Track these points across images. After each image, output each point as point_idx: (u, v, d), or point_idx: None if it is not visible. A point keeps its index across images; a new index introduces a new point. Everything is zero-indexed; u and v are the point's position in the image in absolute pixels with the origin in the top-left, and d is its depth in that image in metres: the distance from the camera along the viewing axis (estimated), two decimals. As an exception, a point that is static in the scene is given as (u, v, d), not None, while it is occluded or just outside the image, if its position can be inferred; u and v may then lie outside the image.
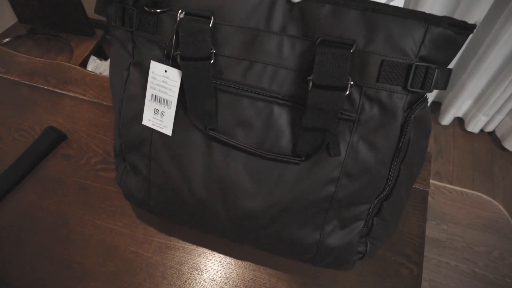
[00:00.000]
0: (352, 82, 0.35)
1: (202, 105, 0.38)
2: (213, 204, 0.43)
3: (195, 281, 0.50)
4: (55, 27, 1.46)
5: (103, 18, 0.43)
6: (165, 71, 0.39)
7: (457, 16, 1.24)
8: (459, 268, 1.20)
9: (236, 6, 0.36)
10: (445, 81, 0.36)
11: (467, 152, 1.54)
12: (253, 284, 0.50)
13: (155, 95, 0.41)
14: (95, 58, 1.45)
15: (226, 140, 0.39)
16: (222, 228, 0.45)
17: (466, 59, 1.43)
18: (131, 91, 0.43)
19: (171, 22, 0.38)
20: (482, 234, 1.28)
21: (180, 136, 0.41)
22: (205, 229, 0.48)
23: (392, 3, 0.37)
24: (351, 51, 0.34)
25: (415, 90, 0.35)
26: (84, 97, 0.69)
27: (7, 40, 1.49)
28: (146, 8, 0.38)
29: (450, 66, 1.44)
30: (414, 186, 0.59)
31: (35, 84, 0.71)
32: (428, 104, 0.40)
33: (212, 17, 0.36)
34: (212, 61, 0.37)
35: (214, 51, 0.37)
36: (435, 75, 0.35)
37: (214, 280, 0.50)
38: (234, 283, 0.50)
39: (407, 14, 0.33)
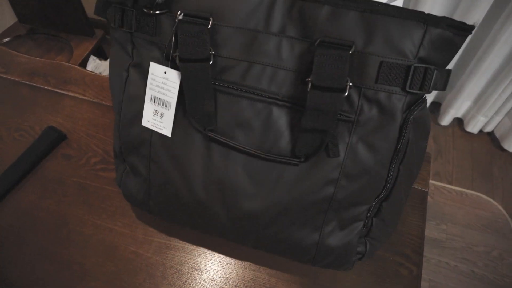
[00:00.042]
0: (351, 83, 0.35)
1: (201, 106, 0.38)
2: (213, 205, 0.43)
3: (195, 281, 0.50)
4: (55, 27, 1.46)
5: (103, 18, 0.43)
6: (165, 72, 0.39)
7: (457, 16, 1.25)
8: (459, 268, 1.20)
9: (235, 7, 0.36)
10: (444, 82, 0.36)
11: (467, 152, 1.54)
12: (253, 284, 0.50)
13: (155, 96, 0.41)
14: (94, 58, 1.45)
15: (225, 141, 0.39)
16: (221, 228, 0.45)
17: (465, 59, 1.43)
18: (130, 92, 0.43)
19: (170, 24, 0.38)
20: (481, 234, 1.28)
21: (179, 137, 0.41)
22: (204, 230, 0.48)
23: (391, 3, 0.37)
24: (350, 52, 0.34)
25: (414, 91, 0.35)
26: (84, 97, 0.69)
27: (7, 40, 1.49)
28: (145, 10, 0.38)
29: (450, 66, 1.44)
30: (414, 186, 0.59)
31: (35, 84, 0.71)
32: (428, 105, 0.40)
33: (211, 19, 0.36)
34: (211, 62, 0.37)
35: (213, 52, 0.37)
36: (434, 76, 0.35)
37: (214, 280, 0.50)
38: (234, 283, 0.50)
39: (406, 15, 0.33)
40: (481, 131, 1.59)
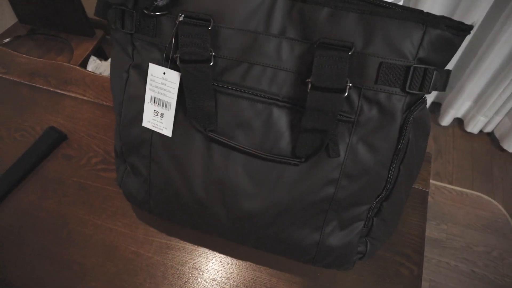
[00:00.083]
0: (350, 84, 0.35)
1: (202, 106, 0.38)
2: (213, 205, 0.43)
3: (195, 281, 0.50)
4: (55, 27, 1.46)
5: (104, 20, 0.43)
6: (164, 73, 0.39)
7: (457, 16, 1.25)
8: (459, 268, 1.20)
9: (236, 9, 0.36)
10: (443, 83, 0.37)
11: (467, 152, 1.54)
12: (253, 284, 0.50)
13: (154, 97, 0.41)
14: (95, 58, 1.45)
15: (225, 141, 0.39)
16: (222, 228, 0.45)
17: (465, 60, 1.43)
18: (130, 93, 0.43)
19: (170, 25, 0.38)
20: (481, 234, 1.28)
21: (180, 137, 0.41)
22: (205, 230, 0.48)
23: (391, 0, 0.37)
24: (350, 53, 0.34)
25: (414, 91, 0.35)
26: (84, 98, 0.69)
27: (7, 40, 1.49)
28: (146, 11, 0.38)
29: (450, 67, 1.44)
30: (414, 186, 0.59)
31: (36, 85, 0.71)
32: (428, 105, 0.40)
33: (211, 20, 0.36)
34: (211, 63, 0.37)
35: (213, 54, 0.37)
36: (434, 76, 0.35)
37: (214, 280, 0.50)
38: (235, 283, 0.50)
39: (405, 16, 0.33)
40: (481, 131, 1.59)
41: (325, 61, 0.34)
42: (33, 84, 0.71)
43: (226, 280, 0.50)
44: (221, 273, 0.51)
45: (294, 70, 0.36)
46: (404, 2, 1.22)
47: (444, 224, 1.30)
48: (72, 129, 0.65)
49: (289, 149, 0.39)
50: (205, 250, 0.52)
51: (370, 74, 0.35)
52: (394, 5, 0.34)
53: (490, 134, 1.60)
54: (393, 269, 0.51)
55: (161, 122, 0.42)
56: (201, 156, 0.41)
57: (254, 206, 0.41)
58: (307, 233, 0.43)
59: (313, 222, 0.42)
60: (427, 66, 0.34)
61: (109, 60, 1.50)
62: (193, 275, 0.50)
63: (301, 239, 0.43)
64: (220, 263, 0.51)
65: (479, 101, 1.49)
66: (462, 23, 0.34)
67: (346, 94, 0.34)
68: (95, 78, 0.73)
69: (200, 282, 0.50)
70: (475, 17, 1.21)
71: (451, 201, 1.36)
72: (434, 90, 0.36)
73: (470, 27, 0.34)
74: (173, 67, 0.39)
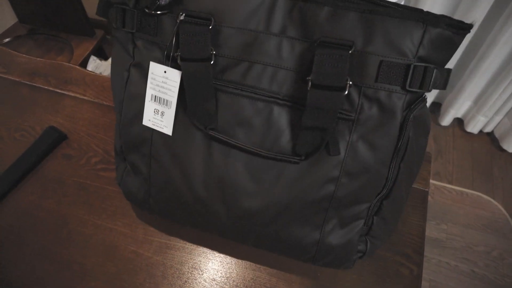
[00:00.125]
0: (351, 82, 0.35)
1: (202, 105, 0.39)
2: (213, 203, 0.43)
3: (195, 281, 0.50)
4: (55, 27, 1.46)
5: (105, 19, 0.44)
6: (164, 72, 0.40)
7: (457, 17, 1.25)
8: (459, 268, 1.20)
9: (236, 8, 0.37)
10: (444, 81, 0.37)
11: (467, 152, 1.54)
12: (253, 284, 0.50)
13: (155, 96, 0.41)
14: (95, 58, 1.45)
15: (226, 140, 0.39)
16: (222, 227, 0.45)
17: (466, 60, 1.43)
18: (131, 92, 0.43)
19: (171, 24, 0.38)
20: (481, 234, 1.28)
21: (180, 135, 0.41)
22: (205, 229, 0.48)
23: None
24: (350, 51, 0.34)
25: (414, 90, 0.35)
26: (84, 97, 0.69)
27: (7, 40, 1.49)
28: (147, 10, 0.38)
29: (450, 67, 1.44)
30: (414, 186, 0.59)
31: (36, 84, 0.71)
32: (428, 105, 0.40)
33: (212, 19, 0.36)
34: (212, 62, 0.37)
35: (214, 52, 0.38)
36: (434, 75, 0.35)
37: (214, 280, 0.50)
38: (235, 283, 0.50)
39: (406, 15, 0.33)
40: (481, 131, 1.59)
41: (326, 59, 0.34)
42: (33, 84, 0.71)
43: (226, 280, 0.50)
44: (221, 273, 0.51)
45: (295, 69, 0.37)
46: (404, 2, 1.22)
47: (444, 224, 1.30)
48: (72, 129, 0.65)
49: (290, 147, 0.39)
50: (205, 249, 0.52)
51: (370, 73, 0.35)
52: (394, 4, 0.35)
53: (490, 134, 1.60)
54: (393, 269, 0.51)
55: (161, 121, 0.42)
56: (202, 155, 0.41)
57: (254, 205, 0.41)
58: (307, 231, 0.43)
59: (313, 221, 0.42)
60: (427, 65, 0.35)
61: (109, 60, 1.50)
62: (193, 275, 0.50)
63: (301, 238, 0.43)
64: (219, 263, 0.51)
65: (479, 101, 1.49)
66: (462, 22, 0.34)
67: (346, 92, 0.34)
68: (95, 77, 0.73)
69: (199, 282, 0.50)
70: (475, 17, 1.21)
71: (451, 201, 1.36)
72: (434, 88, 0.36)
73: (470, 26, 0.34)
74: (174, 65, 0.39)
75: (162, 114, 0.41)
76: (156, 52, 0.40)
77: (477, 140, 1.59)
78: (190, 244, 0.53)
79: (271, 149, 0.39)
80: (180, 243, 0.53)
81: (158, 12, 0.38)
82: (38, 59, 0.76)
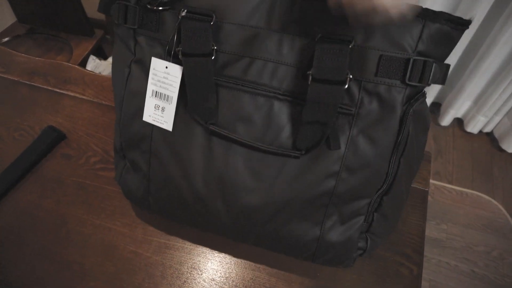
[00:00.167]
0: (351, 76, 0.35)
1: (203, 100, 0.39)
2: (213, 201, 0.43)
3: (194, 281, 0.50)
4: (54, 27, 1.46)
5: (103, 18, 0.44)
6: (166, 67, 0.40)
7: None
8: (459, 268, 1.20)
9: (238, 5, 0.37)
10: (443, 76, 0.37)
11: (467, 152, 1.54)
12: (252, 283, 0.49)
13: (156, 91, 0.41)
14: (94, 57, 1.45)
15: (226, 134, 0.39)
16: (222, 226, 0.45)
17: (466, 60, 1.43)
18: (132, 88, 0.43)
19: (173, 20, 0.39)
20: (481, 234, 1.28)
21: (180, 131, 0.42)
22: (205, 228, 0.48)
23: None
24: (350, 46, 0.34)
25: (413, 83, 0.35)
26: (84, 97, 0.69)
27: (6, 39, 1.49)
28: (149, 6, 0.39)
29: (450, 67, 1.44)
30: (414, 185, 0.59)
31: (35, 84, 0.71)
32: (428, 105, 0.40)
33: (214, 15, 0.37)
34: (213, 57, 0.38)
35: (215, 48, 0.38)
36: (433, 69, 0.35)
37: (213, 280, 0.50)
38: (234, 283, 0.50)
39: None
40: (481, 131, 1.59)
41: (326, 54, 0.34)
42: (33, 84, 0.71)
43: (225, 280, 0.50)
44: (220, 273, 0.50)
45: (295, 65, 0.37)
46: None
47: (444, 224, 1.30)
48: (71, 129, 0.65)
49: (290, 142, 0.39)
50: (204, 249, 0.52)
51: (370, 67, 0.35)
52: None
53: (490, 134, 1.60)
54: (393, 269, 0.51)
55: (162, 116, 0.42)
56: (202, 150, 0.41)
57: (254, 201, 0.41)
58: (308, 228, 0.43)
59: (313, 217, 0.42)
60: (426, 59, 0.35)
61: (109, 59, 1.50)
62: (192, 275, 0.50)
63: (302, 235, 0.43)
64: (219, 263, 0.51)
65: (479, 101, 1.49)
66: (461, 18, 0.34)
67: (346, 86, 0.35)
68: (95, 77, 0.72)
69: (199, 282, 0.50)
70: (473, 13, 1.21)
71: (451, 201, 1.36)
72: (433, 83, 0.36)
73: (469, 22, 0.35)
74: (175, 61, 0.39)
75: (162, 109, 0.41)
76: (157, 48, 0.40)
77: (477, 140, 1.59)
78: (189, 244, 0.53)
79: (272, 144, 0.39)
80: (179, 243, 0.53)
81: (160, 8, 0.38)
82: (37, 58, 0.75)
